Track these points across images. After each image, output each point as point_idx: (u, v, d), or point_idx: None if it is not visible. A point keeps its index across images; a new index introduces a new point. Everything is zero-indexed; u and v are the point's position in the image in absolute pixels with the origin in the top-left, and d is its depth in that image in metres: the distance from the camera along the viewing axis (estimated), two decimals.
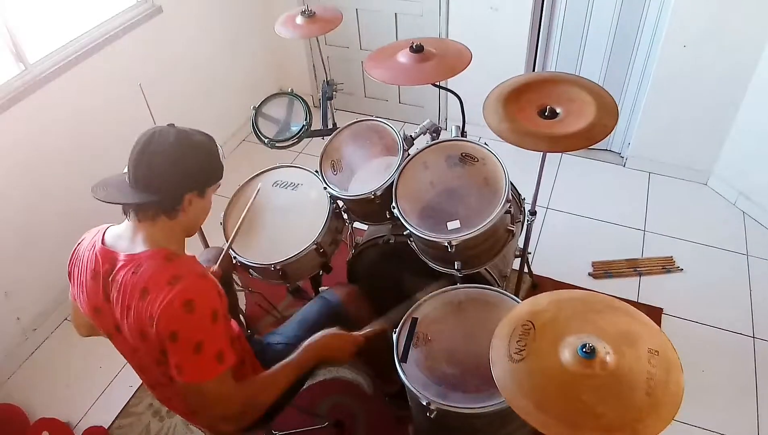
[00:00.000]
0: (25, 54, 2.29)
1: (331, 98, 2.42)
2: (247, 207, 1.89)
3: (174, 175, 1.23)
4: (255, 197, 1.91)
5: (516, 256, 2.24)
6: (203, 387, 1.20)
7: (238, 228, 1.84)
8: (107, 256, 1.27)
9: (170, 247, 1.27)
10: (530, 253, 2.68)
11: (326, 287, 1.92)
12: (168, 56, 2.97)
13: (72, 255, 1.37)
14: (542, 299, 1.39)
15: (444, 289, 1.73)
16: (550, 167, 3.23)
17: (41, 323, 2.56)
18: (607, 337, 1.24)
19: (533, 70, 3.16)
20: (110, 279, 1.25)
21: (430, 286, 1.77)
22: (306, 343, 1.47)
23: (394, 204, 1.76)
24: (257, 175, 2.12)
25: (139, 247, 1.24)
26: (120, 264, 1.24)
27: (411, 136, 2.00)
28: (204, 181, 1.30)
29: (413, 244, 1.84)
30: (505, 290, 1.80)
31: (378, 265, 2.10)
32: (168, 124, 1.25)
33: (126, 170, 1.25)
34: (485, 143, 1.83)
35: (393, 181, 1.81)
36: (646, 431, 1.10)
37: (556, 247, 2.81)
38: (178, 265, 1.23)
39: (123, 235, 1.28)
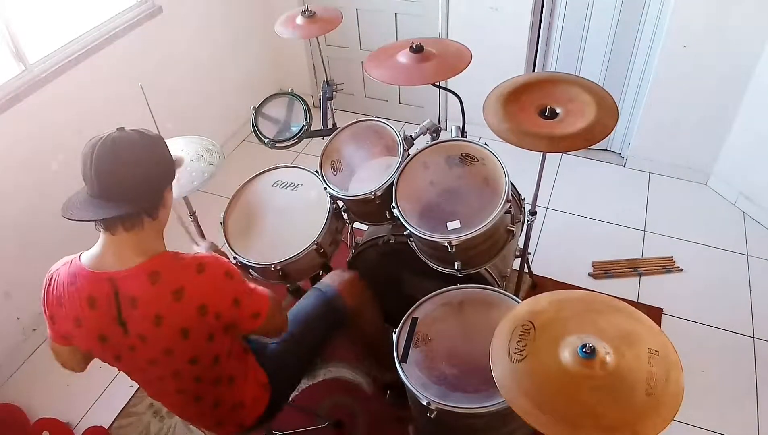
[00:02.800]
0: (25, 54, 2.29)
1: (331, 98, 2.42)
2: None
3: (153, 177, 1.22)
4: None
5: (516, 256, 2.24)
6: (271, 310, 1.38)
7: None
8: (101, 279, 1.22)
9: (163, 249, 1.27)
10: (530, 253, 2.67)
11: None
12: (168, 56, 2.97)
13: (46, 298, 1.29)
14: (542, 299, 1.39)
15: (444, 289, 1.73)
16: (550, 167, 3.23)
17: (41, 323, 2.54)
18: (607, 337, 1.24)
19: (533, 70, 3.16)
20: (118, 299, 1.21)
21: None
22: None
23: (394, 204, 1.76)
24: (257, 175, 2.12)
25: (136, 259, 1.21)
26: (126, 281, 1.20)
27: (411, 136, 2.00)
28: (173, 172, 1.30)
29: (413, 244, 1.84)
30: (505, 290, 1.80)
31: (378, 265, 2.10)
32: (119, 128, 1.19)
33: (89, 188, 1.19)
34: (485, 143, 1.83)
35: (393, 181, 1.81)
36: (646, 431, 1.10)
37: (556, 247, 2.81)
38: (188, 257, 1.25)
39: (104, 255, 1.23)
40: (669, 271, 2.66)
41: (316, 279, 2.25)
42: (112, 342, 1.28)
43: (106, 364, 1.36)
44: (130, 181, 1.18)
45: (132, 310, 1.22)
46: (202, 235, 2.11)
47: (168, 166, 1.28)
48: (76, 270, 1.24)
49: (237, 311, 1.30)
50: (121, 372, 1.40)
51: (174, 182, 1.32)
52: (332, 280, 1.82)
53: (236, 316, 1.31)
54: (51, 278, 1.29)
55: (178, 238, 1.86)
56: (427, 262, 1.84)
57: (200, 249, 1.66)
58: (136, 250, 1.22)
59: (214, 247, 1.71)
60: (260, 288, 1.39)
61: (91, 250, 1.26)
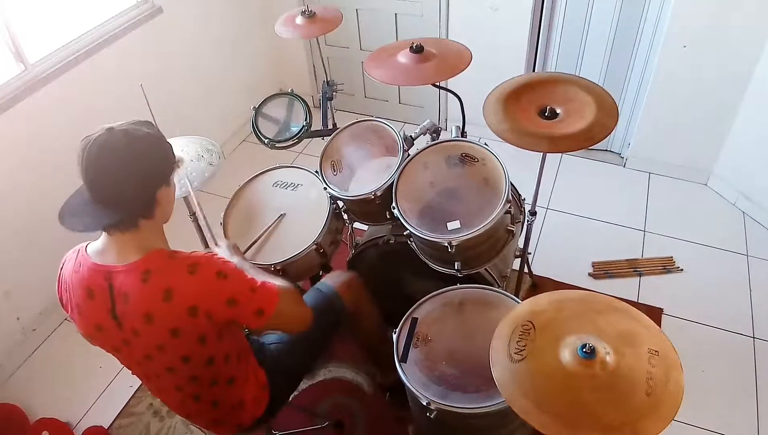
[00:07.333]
0: (25, 54, 2.29)
1: (331, 98, 2.42)
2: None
3: (141, 180, 1.21)
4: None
5: (516, 256, 2.24)
6: (280, 309, 1.34)
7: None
8: (99, 271, 1.24)
9: (161, 246, 1.28)
10: (530, 253, 2.67)
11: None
12: (168, 56, 2.97)
13: (58, 281, 1.34)
14: (542, 299, 1.39)
15: (444, 289, 1.73)
16: (550, 167, 3.23)
17: (41, 323, 2.56)
18: (607, 337, 1.24)
19: (533, 70, 3.16)
20: (112, 293, 1.23)
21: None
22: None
23: (394, 204, 1.76)
24: (257, 175, 2.12)
25: (132, 256, 1.22)
26: (120, 277, 1.22)
27: (411, 136, 2.00)
28: (167, 171, 1.27)
29: (413, 244, 1.84)
30: (505, 290, 1.80)
31: (378, 266, 2.10)
32: (107, 129, 1.17)
33: (85, 188, 1.19)
34: (485, 143, 1.83)
35: (393, 182, 1.81)
36: (646, 431, 1.10)
37: (556, 247, 2.81)
38: (182, 257, 1.25)
39: (107, 250, 1.25)
40: (669, 271, 2.66)
41: (316, 279, 2.25)
42: (108, 333, 1.29)
43: (108, 362, 1.37)
44: (117, 187, 1.17)
45: (125, 305, 1.23)
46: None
47: (160, 165, 1.24)
48: (81, 259, 1.28)
49: (235, 310, 1.28)
50: (123, 368, 1.41)
51: (174, 182, 1.32)
52: (331, 280, 1.82)
53: (235, 315, 1.29)
54: (63, 263, 1.33)
55: (191, 234, 1.88)
56: (427, 262, 1.84)
57: (221, 251, 1.63)
58: (136, 246, 1.24)
59: (236, 249, 1.67)
60: (270, 283, 1.36)
61: (97, 242, 1.28)
